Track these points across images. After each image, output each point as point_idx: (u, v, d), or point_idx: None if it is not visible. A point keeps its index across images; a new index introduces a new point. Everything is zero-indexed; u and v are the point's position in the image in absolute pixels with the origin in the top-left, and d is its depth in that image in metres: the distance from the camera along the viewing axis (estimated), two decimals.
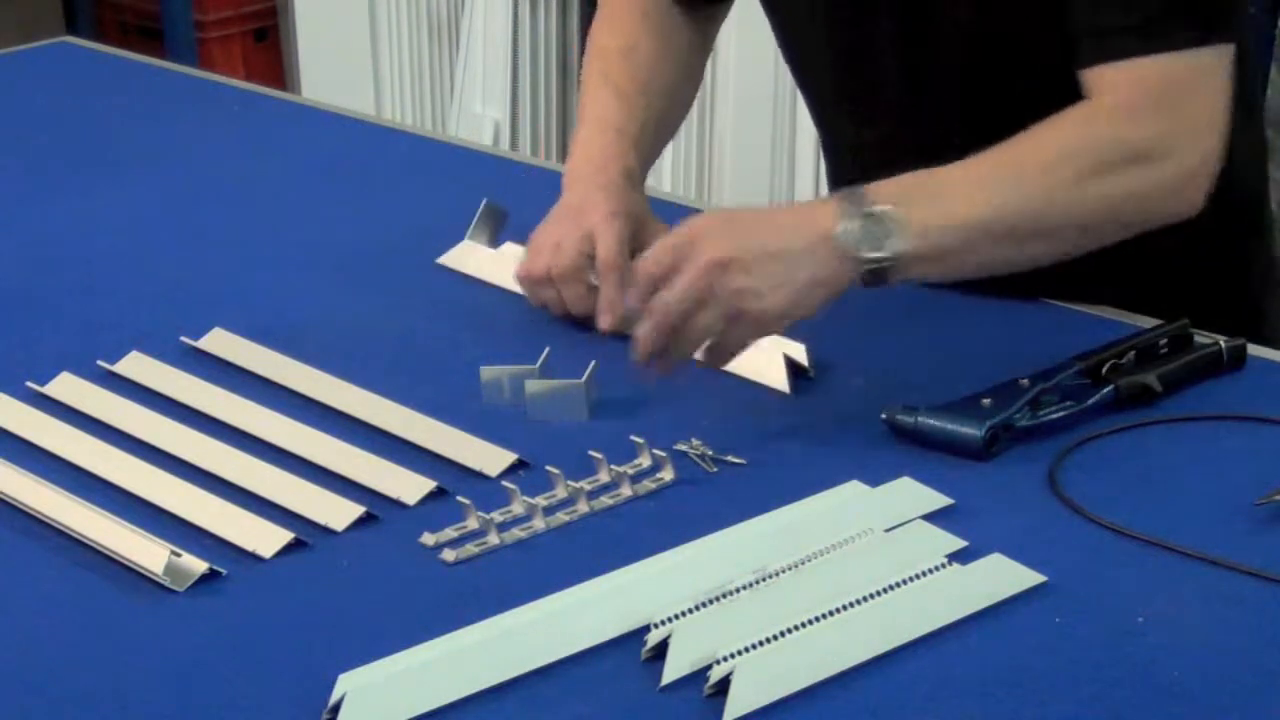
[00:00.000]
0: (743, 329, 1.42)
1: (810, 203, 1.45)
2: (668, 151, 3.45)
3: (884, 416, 1.42)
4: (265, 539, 1.30)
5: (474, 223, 1.78)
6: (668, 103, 1.76)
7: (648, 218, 1.63)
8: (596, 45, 1.79)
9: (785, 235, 1.41)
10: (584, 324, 1.60)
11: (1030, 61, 1.58)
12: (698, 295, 1.39)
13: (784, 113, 3.39)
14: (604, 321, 1.54)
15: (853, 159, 1.77)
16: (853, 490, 1.35)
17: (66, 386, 1.54)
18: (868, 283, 1.40)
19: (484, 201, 1.78)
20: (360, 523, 1.33)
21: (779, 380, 1.50)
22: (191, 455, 1.42)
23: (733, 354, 1.45)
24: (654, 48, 1.76)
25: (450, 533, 1.31)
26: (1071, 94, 1.51)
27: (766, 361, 1.51)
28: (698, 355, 1.44)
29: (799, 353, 1.51)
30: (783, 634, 1.16)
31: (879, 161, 1.70)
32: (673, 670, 1.14)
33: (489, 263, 1.75)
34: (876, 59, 1.65)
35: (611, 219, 1.58)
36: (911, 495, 1.34)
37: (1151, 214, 1.48)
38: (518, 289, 1.67)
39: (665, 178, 3.51)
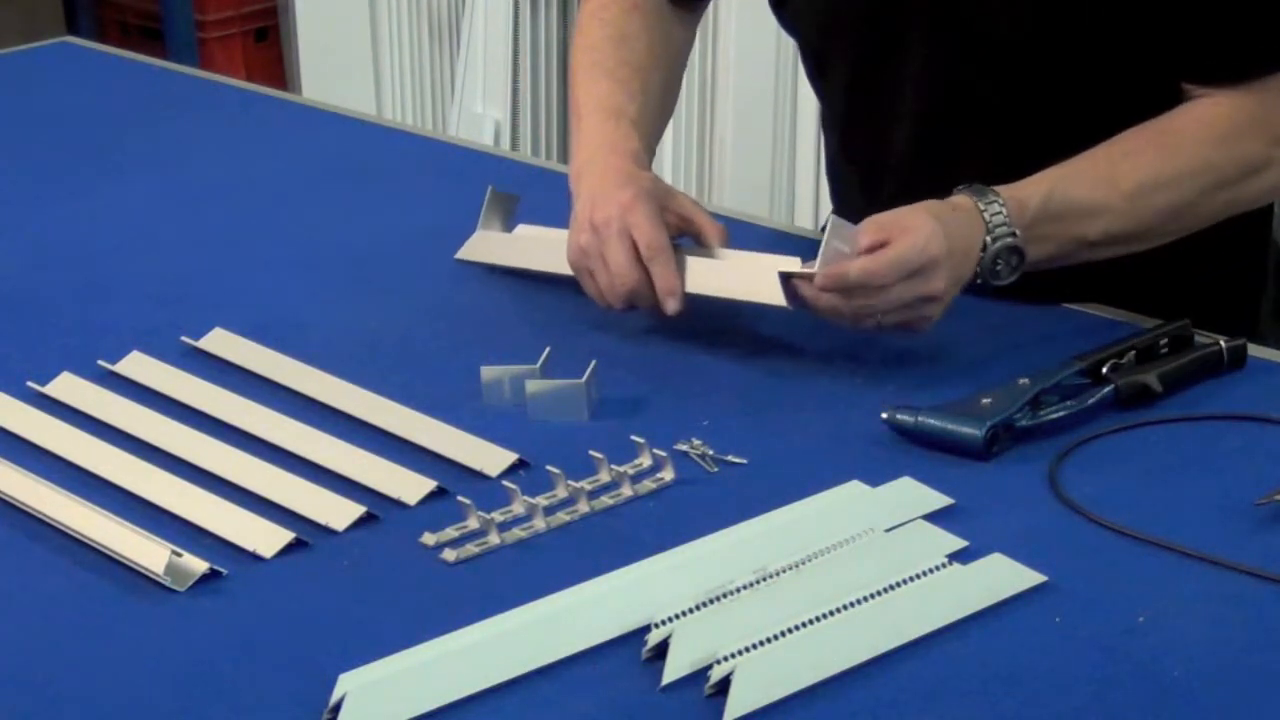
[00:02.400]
0: (920, 325, 1.51)
1: (950, 209, 1.52)
2: (668, 152, 3.47)
3: (884, 416, 1.42)
4: (266, 539, 1.30)
5: (483, 211, 1.77)
6: (662, 87, 1.75)
7: (665, 188, 1.61)
8: (585, 38, 1.77)
9: (973, 257, 1.51)
10: (583, 324, 1.61)
11: (1062, 77, 1.60)
12: (889, 299, 1.47)
13: (784, 113, 3.39)
14: (670, 305, 1.53)
15: (858, 163, 1.77)
16: (853, 490, 1.35)
17: (67, 386, 1.54)
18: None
19: (490, 189, 1.77)
20: (361, 523, 1.33)
21: (774, 295, 1.50)
22: (192, 455, 1.42)
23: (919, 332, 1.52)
24: (646, 36, 1.75)
25: (451, 532, 1.31)
26: (1102, 104, 1.58)
27: (760, 278, 1.51)
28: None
29: (792, 264, 1.50)
30: (783, 634, 1.16)
31: (883, 166, 1.70)
32: (673, 670, 1.14)
33: (506, 247, 1.74)
34: (900, 73, 1.65)
35: (636, 206, 1.55)
36: (911, 495, 1.34)
37: (1250, 208, 1.64)
38: (541, 269, 1.67)
39: (665, 177, 3.50)
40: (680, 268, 1.55)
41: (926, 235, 1.46)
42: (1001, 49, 1.59)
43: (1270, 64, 1.58)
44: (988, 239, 1.50)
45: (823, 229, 1.55)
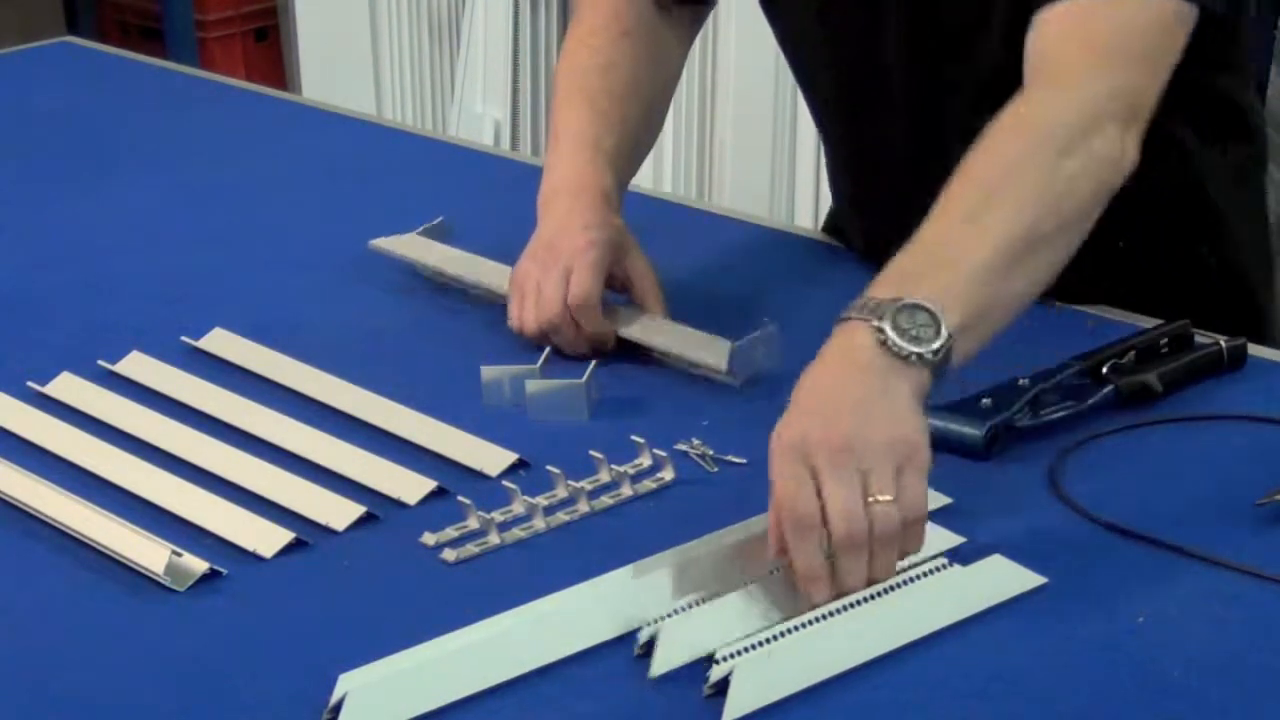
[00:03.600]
0: (890, 517, 1.21)
1: (835, 344, 1.28)
2: (668, 151, 3.47)
3: None
4: (266, 539, 1.30)
5: (422, 229, 1.78)
6: (644, 122, 1.72)
7: (626, 241, 1.61)
8: (572, 62, 1.73)
9: (857, 394, 1.24)
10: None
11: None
12: (805, 505, 1.20)
13: (784, 113, 3.39)
14: (582, 349, 1.56)
15: (855, 159, 1.77)
16: None
17: (67, 386, 1.54)
18: (937, 375, 1.26)
19: (439, 219, 1.78)
20: (361, 522, 1.33)
21: (719, 360, 1.51)
22: (192, 455, 1.42)
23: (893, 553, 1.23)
24: (632, 66, 1.71)
25: (451, 532, 1.31)
26: None
27: (705, 346, 1.53)
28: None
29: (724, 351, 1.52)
30: (781, 635, 1.16)
31: (879, 161, 1.70)
32: (661, 664, 1.14)
33: (433, 253, 1.75)
34: (880, 60, 1.65)
35: (588, 252, 1.56)
36: None
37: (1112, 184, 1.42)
38: (462, 275, 1.70)
39: (665, 178, 3.51)
40: (616, 320, 1.57)
41: (777, 437, 1.23)
42: (965, 32, 1.58)
43: None
44: (867, 331, 1.26)
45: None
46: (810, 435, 1.20)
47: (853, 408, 1.22)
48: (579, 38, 1.74)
